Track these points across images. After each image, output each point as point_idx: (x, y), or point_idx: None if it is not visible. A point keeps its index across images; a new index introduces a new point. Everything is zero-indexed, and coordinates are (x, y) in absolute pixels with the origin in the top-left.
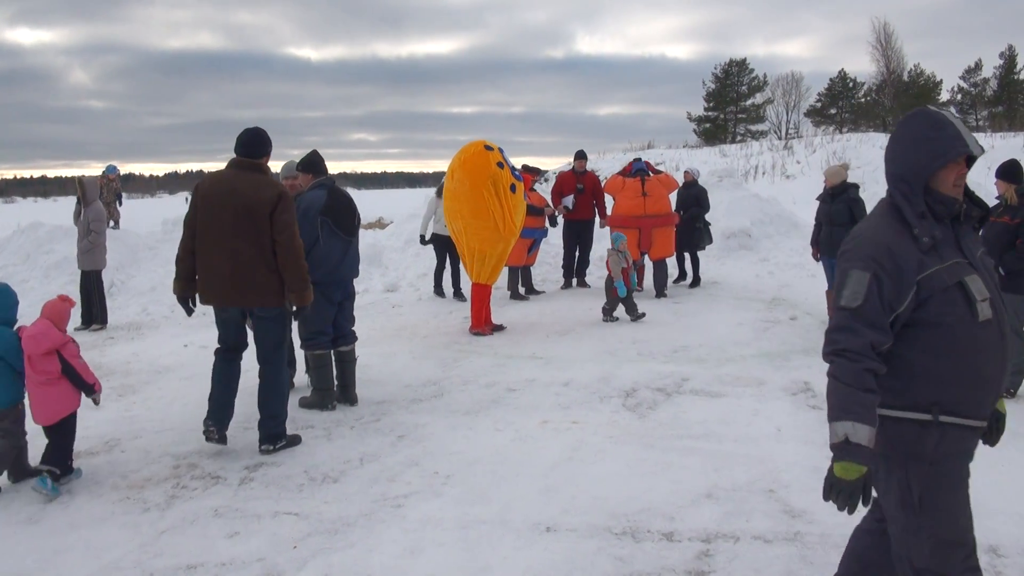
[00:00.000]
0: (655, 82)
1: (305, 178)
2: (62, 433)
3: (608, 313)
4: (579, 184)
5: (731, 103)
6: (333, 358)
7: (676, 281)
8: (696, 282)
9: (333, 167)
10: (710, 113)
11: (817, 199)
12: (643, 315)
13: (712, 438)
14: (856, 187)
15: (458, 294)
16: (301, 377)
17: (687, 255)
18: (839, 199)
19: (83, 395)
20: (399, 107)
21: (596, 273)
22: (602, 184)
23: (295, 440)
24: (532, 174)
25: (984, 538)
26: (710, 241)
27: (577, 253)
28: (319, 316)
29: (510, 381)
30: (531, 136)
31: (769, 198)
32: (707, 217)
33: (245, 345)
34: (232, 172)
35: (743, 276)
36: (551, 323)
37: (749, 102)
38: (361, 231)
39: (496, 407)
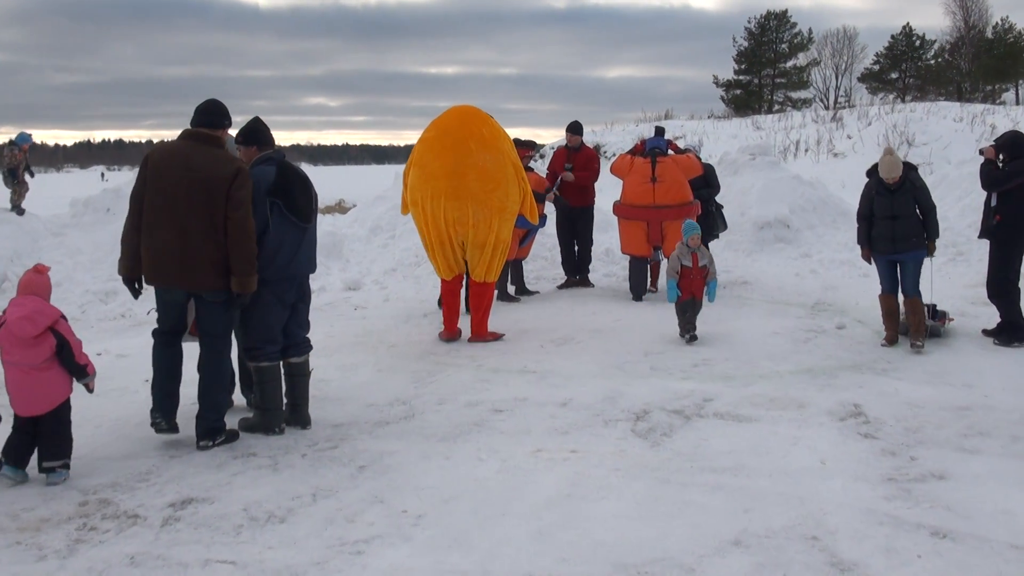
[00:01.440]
0: (675, 38)
1: (247, 152)
2: (60, 421)
3: (684, 331)
4: (568, 163)
5: (768, 65)
6: (282, 372)
7: None
8: None
9: (283, 138)
10: (742, 77)
11: (874, 193)
12: (695, 338)
13: (741, 472)
14: (916, 169)
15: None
16: (238, 396)
17: None
18: (903, 189)
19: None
20: (365, 66)
21: (601, 270)
22: (604, 163)
23: (233, 436)
24: (526, 149)
25: None
26: (724, 227)
27: (576, 247)
28: (267, 321)
29: (496, 400)
30: (525, 102)
31: (812, 180)
32: (719, 200)
33: (184, 328)
34: (188, 144)
35: (779, 275)
36: (547, 330)
37: (790, 63)
38: (318, 216)
39: (479, 432)
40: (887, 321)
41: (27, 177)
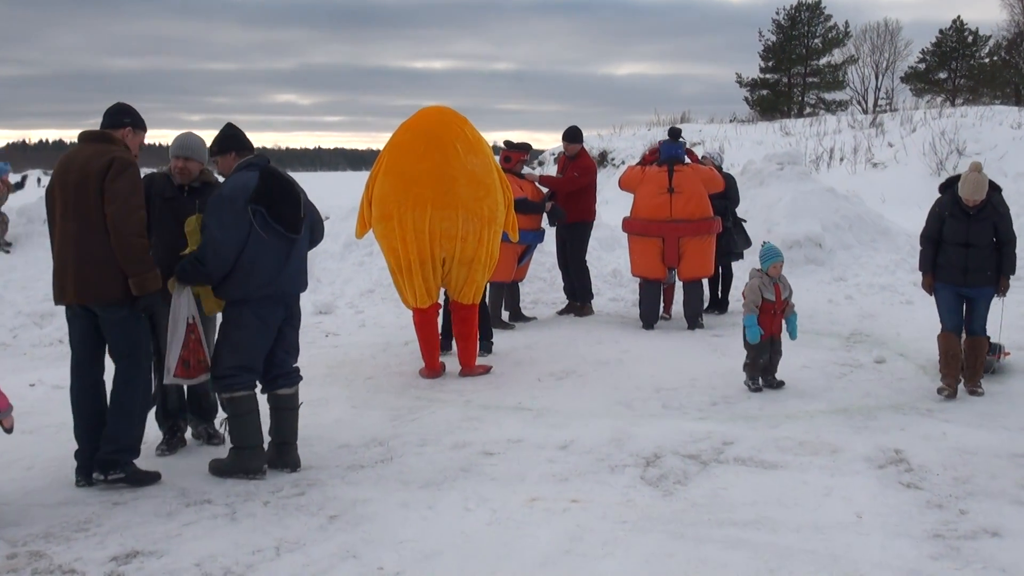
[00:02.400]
0: (694, 31)
1: (225, 160)
2: None
3: (751, 377)
4: (560, 173)
5: (798, 62)
6: (260, 403)
7: (711, 308)
8: (723, 305)
9: (250, 139)
10: (769, 76)
11: (947, 214)
12: (774, 384)
13: (765, 526)
14: (1000, 191)
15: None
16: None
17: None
18: (983, 213)
19: None
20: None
21: (608, 293)
22: (612, 173)
23: (139, 478)
24: (519, 153)
25: None
26: (747, 244)
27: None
28: (245, 345)
29: (487, 441)
30: (522, 102)
31: (849, 194)
32: (741, 214)
33: (102, 356)
34: (76, 146)
35: (810, 301)
36: (545, 361)
37: (823, 61)
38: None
39: (466, 478)
40: (946, 366)
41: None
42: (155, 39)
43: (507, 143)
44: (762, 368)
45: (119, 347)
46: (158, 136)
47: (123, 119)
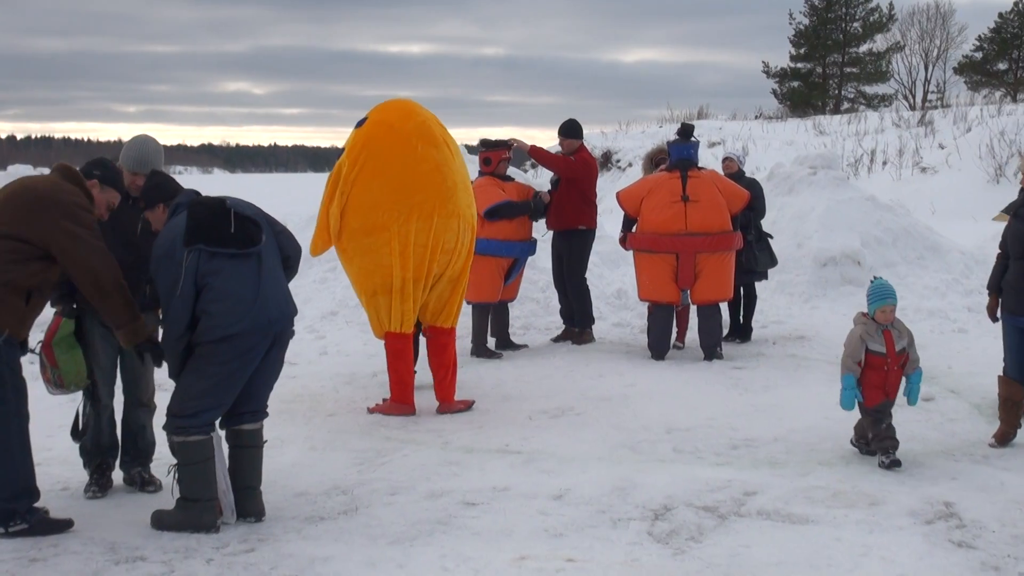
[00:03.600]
0: (714, 12)
1: (155, 214)
2: None
3: (885, 447)
4: (554, 175)
5: (835, 49)
6: (218, 444)
7: (731, 335)
8: (745, 332)
9: (191, 135)
10: (800, 65)
11: (1012, 217)
12: (897, 462)
13: None
14: None
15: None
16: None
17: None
18: None
19: None
20: (303, 41)
21: (611, 317)
22: (617, 176)
23: (46, 527)
24: (499, 151)
25: None
26: (771, 263)
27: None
28: (224, 384)
29: (468, 490)
30: (514, 93)
31: (893, 203)
32: (764, 226)
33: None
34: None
35: (847, 328)
36: (537, 396)
37: (864, 48)
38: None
39: (444, 532)
40: (1004, 410)
41: None
42: (85, 16)
43: (484, 142)
44: (888, 435)
45: None
46: (88, 131)
47: (91, 171)
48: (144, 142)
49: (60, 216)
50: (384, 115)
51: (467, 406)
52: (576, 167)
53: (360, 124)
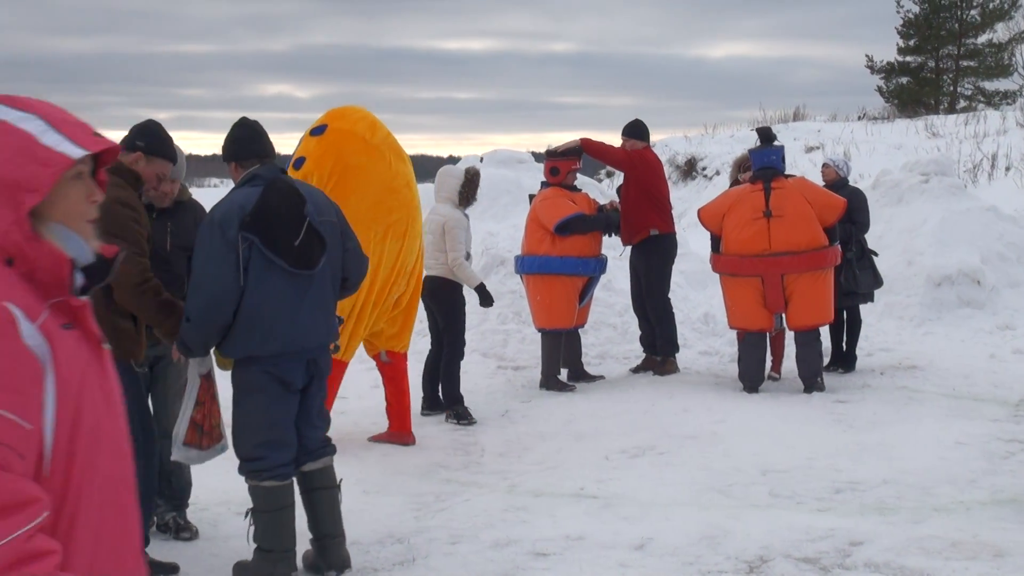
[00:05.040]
0: (811, 1)
1: (233, 171)
2: None
3: None
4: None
5: (949, 40)
6: (294, 490)
7: (833, 364)
8: (849, 361)
9: (218, 142)
10: (910, 59)
11: None
12: None
13: None
14: None
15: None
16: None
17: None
18: None
19: None
20: (350, 38)
21: (698, 344)
22: (703, 185)
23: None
24: (569, 161)
25: None
26: (875, 283)
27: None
28: (262, 415)
29: (537, 539)
30: (585, 94)
31: (1017, 214)
32: (869, 241)
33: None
34: None
35: (965, 356)
36: (615, 434)
37: (984, 39)
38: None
39: None
40: None
41: None
42: (113, 14)
43: (550, 152)
44: None
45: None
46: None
47: (134, 141)
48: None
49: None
50: (351, 125)
51: (413, 441)
52: (634, 159)
53: (319, 132)
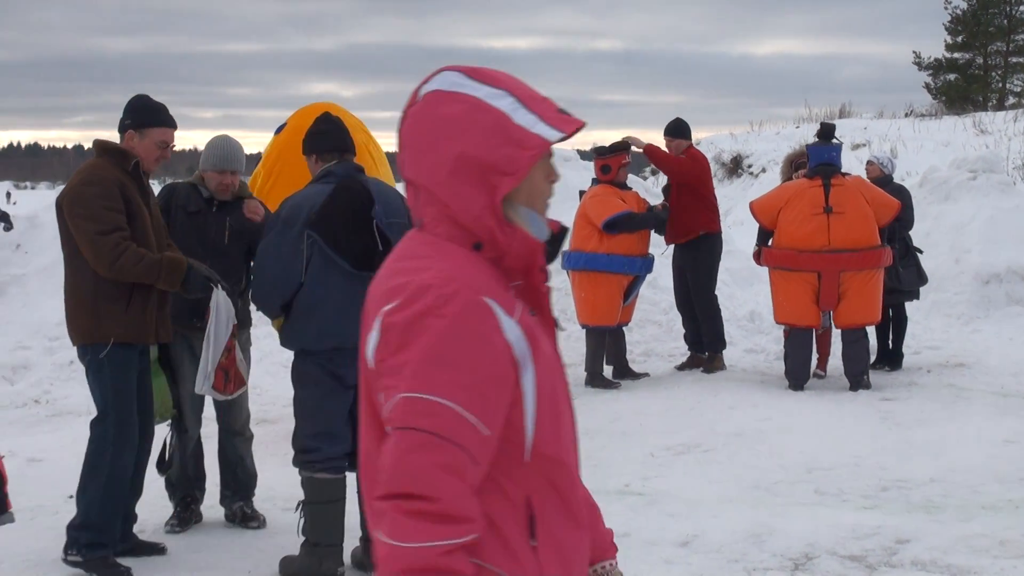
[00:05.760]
0: None
1: (311, 165)
2: None
3: None
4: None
5: (998, 36)
6: (346, 485)
7: (879, 362)
8: (895, 359)
9: (264, 142)
10: (957, 55)
11: None
12: None
13: None
14: None
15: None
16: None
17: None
18: None
19: None
20: (395, 37)
21: (743, 342)
22: (748, 183)
23: (102, 568)
24: (619, 157)
25: None
26: (919, 281)
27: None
28: (317, 407)
29: None
30: (631, 91)
31: None
32: (916, 238)
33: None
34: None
35: (1014, 355)
36: (660, 432)
37: None
38: None
39: None
40: None
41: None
42: (159, 13)
43: (599, 149)
44: None
45: (93, 399)
46: None
47: (124, 120)
48: (227, 138)
49: (69, 205)
50: (306, 121)
51: None
52: (688, 168)
53: (279, 130)
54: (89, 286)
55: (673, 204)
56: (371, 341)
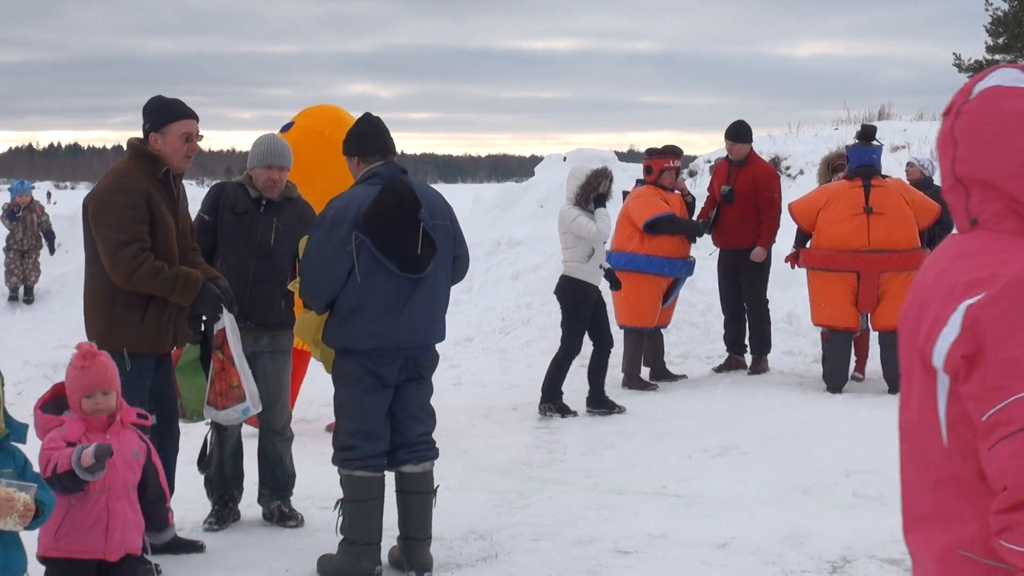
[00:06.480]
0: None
1: (353, 167)
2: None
3: None
4: (726, 185)
5: None
6: (384, 484)
7: None
8: None
9: None
10: (998, 57)
11: None
12: None
13: None
14: None
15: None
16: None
17: None
18: None
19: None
20: (433, 38)
21: (781, 344)
22: (786, 185)
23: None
24: (662, 159)
25: None
26: None
27: (746, 312)
28: (359, 406)
29: (620, 537)
30: (669, 93)
31: None
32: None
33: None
34: None
35: None
36: (697, 434)
37: None
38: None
39: None
40: None
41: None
42: (198, 14)
43: (649, 150)
44: None
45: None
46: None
47: (144, 125)
48: (273, 135)
49: (95, 211)
50: (313, 121)
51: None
52: (777, 203)
53: (286, 129)
54: (107, 291)
55: (734, 212)
56: (945, 336)
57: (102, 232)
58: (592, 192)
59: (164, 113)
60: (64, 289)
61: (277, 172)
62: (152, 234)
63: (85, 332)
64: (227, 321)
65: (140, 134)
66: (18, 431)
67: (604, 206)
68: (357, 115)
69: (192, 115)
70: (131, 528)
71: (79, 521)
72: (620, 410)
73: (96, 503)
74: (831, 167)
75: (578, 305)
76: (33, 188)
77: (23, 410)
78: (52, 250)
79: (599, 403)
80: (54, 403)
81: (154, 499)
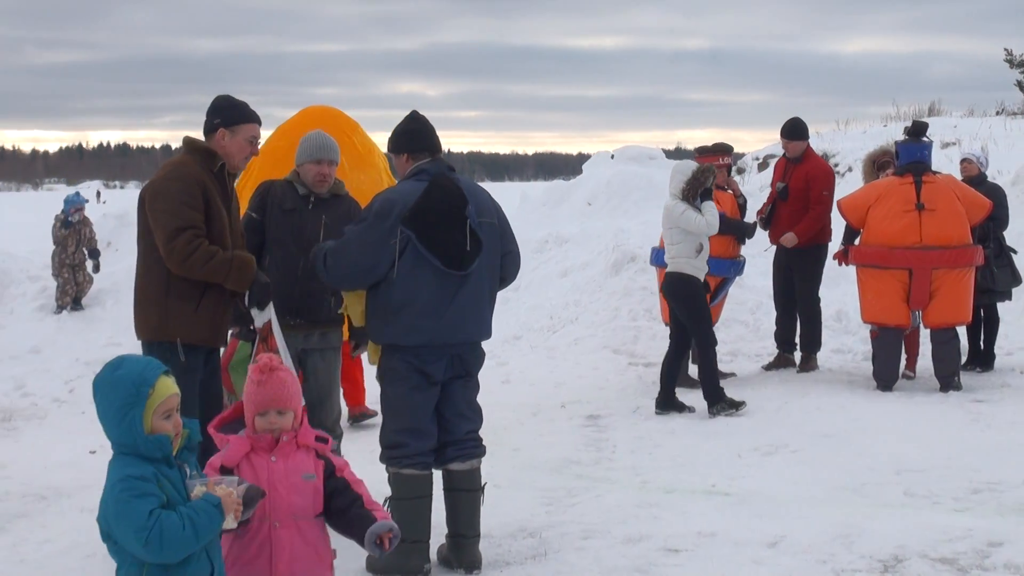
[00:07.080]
0: None
1: (399, 163)
2: None
3: None
4: (781, 181)
5: None
6: (432, 481)
7: (971, 363)
8: (987, 360)
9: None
10: None
11: None
12: None
13: None
14: None
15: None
16: None
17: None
18: None
19: None
20: (480, 36)
21: (831, 343)
22: (832, 181)
23: None
24: (715, 155)
25: None
26: (1015, 281)
27: (798, 310)
28: (402, 403)
29: (669, 535)
30: (717, 90)
31: None
32: (1009, 238)
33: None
34: None
35: None
36: (747, 432)
37: None
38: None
39: None
40: None
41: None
42: (246, 13)
43: (700, 148)
44: None
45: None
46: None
47: (212, 120)
48: (321, 131)
49: (151, 198)
50: (287, 125)
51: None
52: (827, 201)
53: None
54: (162, 282)
55: (789, 209)
56: None
57: (159, 219)
58: (699, 187)
59: (238, 112)
60: (114, 288)
61: (327, 166)
62: (207, 223)
63: (134, 327)
64: (272, 313)
65: (190, 133)
66: (194, 428)
67: (711, 199)
68: (403, 114)
69: (260, 120)
70: (299, 559)
71: (240, 553)
72: (691, 410)
73: (257, 532)
74: (876, 164)
75: (695, 299)
76: (86, 202)
77: (74, 407)
78: (97, 267)
79: (669, 404)
80: (237, 422)
81: (356, 515)
